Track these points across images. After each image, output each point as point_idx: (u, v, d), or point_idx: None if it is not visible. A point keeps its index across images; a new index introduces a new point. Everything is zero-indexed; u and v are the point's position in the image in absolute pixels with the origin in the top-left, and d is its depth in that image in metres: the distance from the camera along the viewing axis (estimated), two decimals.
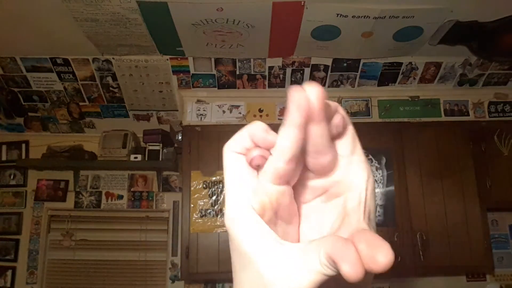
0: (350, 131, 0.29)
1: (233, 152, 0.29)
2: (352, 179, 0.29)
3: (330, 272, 0.23)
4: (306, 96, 0.25)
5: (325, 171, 0.29)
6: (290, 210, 0.29)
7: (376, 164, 2.71)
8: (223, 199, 2.62)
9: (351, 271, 0.21)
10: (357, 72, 2.73)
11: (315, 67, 2.69)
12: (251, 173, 0.29)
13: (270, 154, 0.27)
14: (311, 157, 0.28)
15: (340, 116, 0.28)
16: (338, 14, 2.06)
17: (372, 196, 0.29)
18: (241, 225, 0.27)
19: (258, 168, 0.28)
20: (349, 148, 0.29)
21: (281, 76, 2.74)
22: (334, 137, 0.28)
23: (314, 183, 0.30)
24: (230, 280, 0.35)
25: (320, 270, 0.24)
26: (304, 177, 0.29)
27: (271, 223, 0.28)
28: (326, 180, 0.29)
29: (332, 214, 0.29)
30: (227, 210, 0.29)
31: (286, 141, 0.26)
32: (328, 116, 0.27)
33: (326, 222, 0.29)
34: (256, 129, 0.28)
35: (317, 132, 0.26)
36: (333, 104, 0.28)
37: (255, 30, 2.20)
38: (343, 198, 0.29)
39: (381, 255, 0.22)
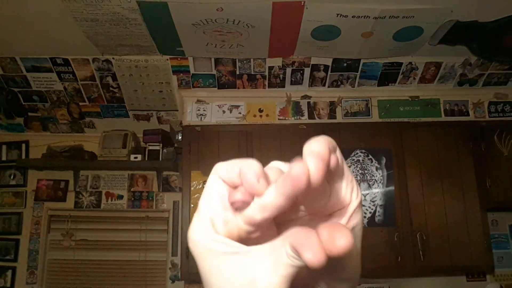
0: (338, 152, 0.29)
1: (218, 176, 0.28)
2: (339, 198, 0.29)
3: (297, 262, 0.24)
4: (306, 173, 0.24)
5: (318, 210, 0.29)
6: (262, 237, 0.28)
7: (376, 164, 2.71)
8: None
9: (312, 257, 0.22)
10: (357, 72, 2.73)
11: (315, 67, 2.69)
12: (227, 203, 0.28)
13: (253, 200, 0.26)
14: (306, 203, 0.28)
15: (335, 159, 0.28)
16: (338, 14, 2.06)
17: (358, 212, 0.30)
18: (204, 248, 0.27)
19: (237, 210, 0.27)
20: (339, 173, 0.29)
21: (281, 76, 2.73)
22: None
23: (300, 207, 0.30)
24: None
25: (288, 262, 0.24)
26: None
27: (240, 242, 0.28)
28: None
29: None
30: (191, 231, 0.28)
31: (271, 202, 0.25)
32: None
33: None
34: (249, 173, 0.26)
35: (314, 193, 0.27)
36: (331, 145, 0.27)
37: (255, 30, 2.20)
38: (330, 215, 0.29)
39: (340, 239, 0.23)
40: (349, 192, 0.29)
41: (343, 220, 0.29)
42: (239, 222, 0.27)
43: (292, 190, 0.25)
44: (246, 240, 0.27)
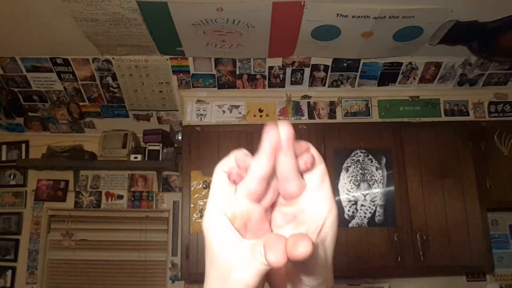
0: (321, 168, 0.34)
1: (220, 170, 0.35)
2: (316, 210, 0.34)
3: (265, 262, 0.29)
4: (277, 132, 0.31)
5: (291, 196, 0.34)
6: (259, 226, 0.34)
7: (376, 164, 2.71)
8: None
9: (273, 258, 0.27)
10: (357, 72, 2.73)
11: (315, 67, 2.69)
12: (231, 188, 0.34)
13: (246, 174, 0.33)
14: (280, 183, 0.33)
15: (310, 154, 0.33)
16: (338, 14, 2.06)
17: (331, 226, 0.34)
18: (213, 228, 0.33)
19: (234, 183, 0.34)
20: (317, 183, 0.34)
21: (281, 76, 2.73)
22: (303, 170, 0.34)
23: (285, 210, 0.35)
24: None
25: (260, 260, 0.29)
26: (278, 204, 0.35)
27: (240, 231, 0.33)
28: (294, 208, 0.34)
29: None
30: (205, 215, 0.35)
31: (257, 165, 0.32)
32: (298, 152, 0.33)
33: None
34: (239, 154, 0.34)
35: (284, 161, 0.32)
36: (305, 144, 0.34)
37: (255, 30, 2.20)
38: (307, 226, 0.34)
39: (301, 247, 0.27)
40: (327, 208, 0.34)
41: (314, 231, 0.33)
42: (240, 200, 0.33)
43: (269, 146, 0.31)
44: (247, 221, 0.34)
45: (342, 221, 2.61)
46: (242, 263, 0.31)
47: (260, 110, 2.82)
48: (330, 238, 0.34)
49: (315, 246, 0.29)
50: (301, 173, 0.34)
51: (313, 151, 0.35)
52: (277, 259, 0.27)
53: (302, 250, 0.27)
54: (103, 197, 3.09)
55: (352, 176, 2.69)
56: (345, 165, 2.70)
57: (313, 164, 0.34)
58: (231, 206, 0.33)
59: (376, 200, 2.66)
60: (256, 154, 0.32)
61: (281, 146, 0.31)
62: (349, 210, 2.64)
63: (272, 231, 0.36)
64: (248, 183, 0.33)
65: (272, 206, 0.36)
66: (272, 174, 0.33)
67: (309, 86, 2.81)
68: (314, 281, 0.33)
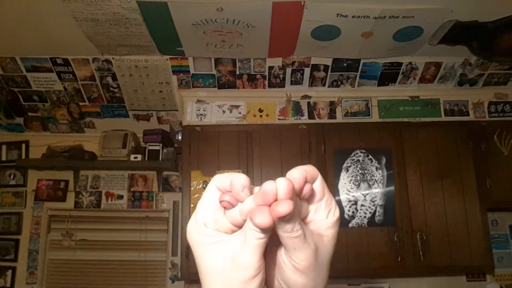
0: (318, 181, 0.36)
1: (214, 185, 0.36)
2: (318, 217, 0.36)
3: (258, 234, 0.31)
4: (274, 190, 0.31)
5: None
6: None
7: (376, 164, 2.71)
8: None
9: (260, 220, 0.30)
10: (357, 72, 2.73)
11: (315, 67, 2.69)
12: (218, 205, 0.35)
13: (237, 204, 0.34)
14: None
15: (308, 187, 0.34)
16: (338, 14, 2.05)
17: (332, 227, 0.36)
18: (196, 240, 0.36)
19: (224, 208, 0.35)
20: (319, 196, 0.36)
21: (281, 76, 2.73)
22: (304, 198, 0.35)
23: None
24: None
25: (252, 235, 0.31)
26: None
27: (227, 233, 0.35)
28: None
29: None
30: (188, 226, 0.37)
31: (247, 208, 0.33)
32: (298, 188, 0.33)
33: None
34: (237, 183, 0.34)
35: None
36: (305, 184, 0.34)
37: (255, 30, 2.20)
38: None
39: (283, 205, 0.30)
40: (327, 212, 0.36)
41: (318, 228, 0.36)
42: (226, 222, 0.35)
43: (262, 202, 0.31)
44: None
45: (342, 221, 2.61)
46: (238, 249, 0.32)
47: (260, 110, 2.82)
48: (330, 239, 0.36)
49: (296, 205, 0.32)
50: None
51: (316, 184, 0.36)
52: (264, 219, 0.30)
53: (283, 206, 0.29)
54: (103, 197, 3.09)
55: (352, 176, 2.69)
56: (345, 165, 2.70)
57: (312, 192, 0.35)
58: (215, 223, 0.35)
59: (376, 200, 2.66)
60: (253, 195, 0.33)
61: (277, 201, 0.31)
62: (349, 210, 2.64)
63: None
64: (235, 217, 0.34)
65: None
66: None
67: (309, 86, 2.81)
68: (303, 261, 0.33)
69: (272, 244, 0.35)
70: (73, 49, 2.48)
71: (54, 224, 3.09)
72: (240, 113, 2.81)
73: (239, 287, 0.33)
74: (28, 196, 3.10)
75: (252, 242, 0.32)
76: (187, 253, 2.54)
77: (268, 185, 0.31)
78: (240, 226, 0.34)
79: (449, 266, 2.60)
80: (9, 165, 3.14)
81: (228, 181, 0.35)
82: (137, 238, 3.05)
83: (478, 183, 2.68)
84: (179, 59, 2.60)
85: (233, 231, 0.35)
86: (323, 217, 0.36)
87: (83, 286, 2.97)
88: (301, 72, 2.71)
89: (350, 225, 2.62)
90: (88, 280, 2.98)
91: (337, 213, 0.37)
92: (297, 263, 0.33)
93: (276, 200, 0.31)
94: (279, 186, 0.31)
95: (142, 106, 2.95)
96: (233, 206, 0.34)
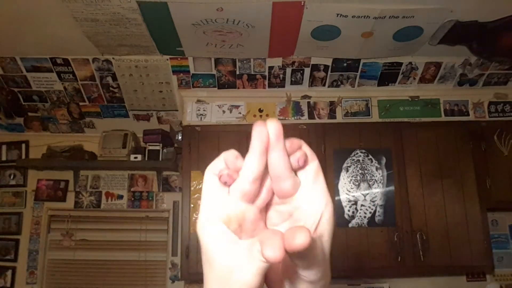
0: (314, 165, 0.34)
1: (211, 173, 0.34)
2: (311, 206, 0.33)
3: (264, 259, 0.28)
4: (265, 130, 0.30)
5: (286, 195, 0.33)
6: (255, 226, 0.34)
7: (376, 164, 2.71)
8: None
9: (270, 253, 0.27)
10: (357, 72, 2.73)
11: (315, 67, 2.69)
12: (223, 190, 0.33)
13: (237, 176, 0.32)
14: (273, 181, 0.33)
15: (302, 152, 0.33)
16: (338, 14, 2.05)
17: (328, 222, 0.33)
18: (208, 232, 0.33)
19: (226, 184, 0.33)
20: (311, 179, 0.34)
21: (281, 76, 2.73)
22: (296, 168, 0.33)
23: (280, 208, 0.35)
24: None
25: (259, 257, 0.29)
26: (273, 203, 0.35)
27: (235, 232, 0.33)
28: (289, 206, 0.34)
29: None
30: (198, 220, 0.34)
31: (248, 166, 0.31)
32: (290, 150, 0.32)
33: None
34: (228, 155, 0.33)
35: (276, 159, 0.31)
36: (297, 141, 0.33)
37: (255, 30, 2.20)
38: (303, 223, 0.33)
39: (299, 238, 0.27)
40: (323, 203, 0.33)
41: (312, 226, 0.33)
42: (234, 202, 0.33)
43: (259, 145, 0.30)
44: (242, 223, 0.33)
45: (342, 221, 2.61)
46: (241, 264, 0.30)
47: (260, 110, 2.82)
48: (327, 233, 0.34)
49: (313, 239, 0.29)
50: (295, 171, 0.33)
51: (305, 148, 0.34)
52: (274, 253, 0.27)
53: (300, 240, 0.27)
54: (103, 197, 3.09)
55: (352, 176, 2.69)
56: (345, 165, 2.70)
57: (305, 161, 0.33)
58: (224, 209, 0.33)
59: (376, 200, 2.66)
60: (247, 154, 0.31)
61: (271, 143, 0.31)
62: (349, 210, 2.64)
63: None
64: (241, 184, 0.32)
65: (267, 205, 0.35)
66: (265, 174, 0.32)
67: (309, 86, 2.81)
68: (313, 275, 0.32)
69: None
70: (73, 49, 2.48)
71: (54, 224, 3.09)
72: (240, 113, 2.81)
73: None
74: (28, 196, 3.10)
75: (257, 264, 0.30)
76: (187, 253, 2.53)
77: (259, 124, 0.31)
78: (252, 197, 0.32)
79: (449, 266, 2.60)
80: (9, 165, 3.14)
81: (221, 160, 0.34)
82: (137, 238, 3.05)
83: (478, 183, 2.68)
84: (179, 59, 2.60)
85: (245, 210, 0.33)
86: (318, 209, 0.34)
87: (83, 286, 2.97)
88: (301, 72, 2.71)
89: (350, 225, 2.62)
90: (88, 280, 2.98)
91: (331, 206, 0.35)
92: (307, 277, 0.33)
93: (267, 135, 0.30)
94: (268, 123, 0.31)
95: (142, 106, 2.95)
96: (233, 179, 0.32)
